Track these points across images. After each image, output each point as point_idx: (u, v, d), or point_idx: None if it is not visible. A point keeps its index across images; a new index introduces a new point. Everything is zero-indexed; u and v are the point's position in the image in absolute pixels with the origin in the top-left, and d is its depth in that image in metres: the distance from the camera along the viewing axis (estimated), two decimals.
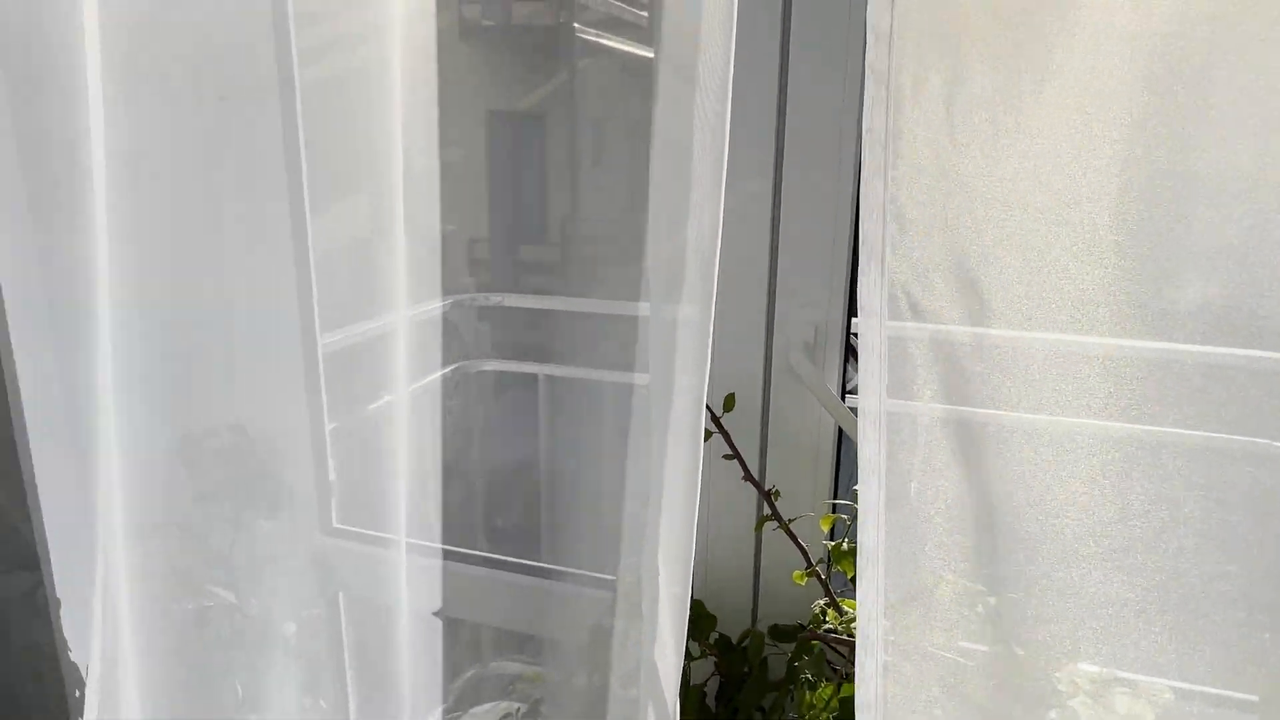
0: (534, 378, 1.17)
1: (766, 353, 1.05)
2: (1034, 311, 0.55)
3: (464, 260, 1.13)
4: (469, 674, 1.15)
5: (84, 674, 1.00)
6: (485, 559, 1.15)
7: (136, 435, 0.94)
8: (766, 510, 0.97)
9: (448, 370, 1.11)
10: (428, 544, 1.08)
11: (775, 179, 1.00)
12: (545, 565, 1.11)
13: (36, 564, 1.15)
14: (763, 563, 1.10)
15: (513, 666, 1.15)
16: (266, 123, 0.98)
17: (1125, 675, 0.59)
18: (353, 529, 1.13)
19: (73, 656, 1.02)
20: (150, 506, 0.98)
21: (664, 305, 0.65)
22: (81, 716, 1.00)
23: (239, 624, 1.05)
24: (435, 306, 1.06)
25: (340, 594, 1.13)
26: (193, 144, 0.96)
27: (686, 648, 1.03)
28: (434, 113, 0.99)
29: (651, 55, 0.72)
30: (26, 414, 0.97)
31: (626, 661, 0.85)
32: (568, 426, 1.15)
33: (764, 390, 1.06)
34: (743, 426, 1.03)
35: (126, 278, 0.91)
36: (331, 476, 1.12)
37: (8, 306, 0.93)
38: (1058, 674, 0.60)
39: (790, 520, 0.96)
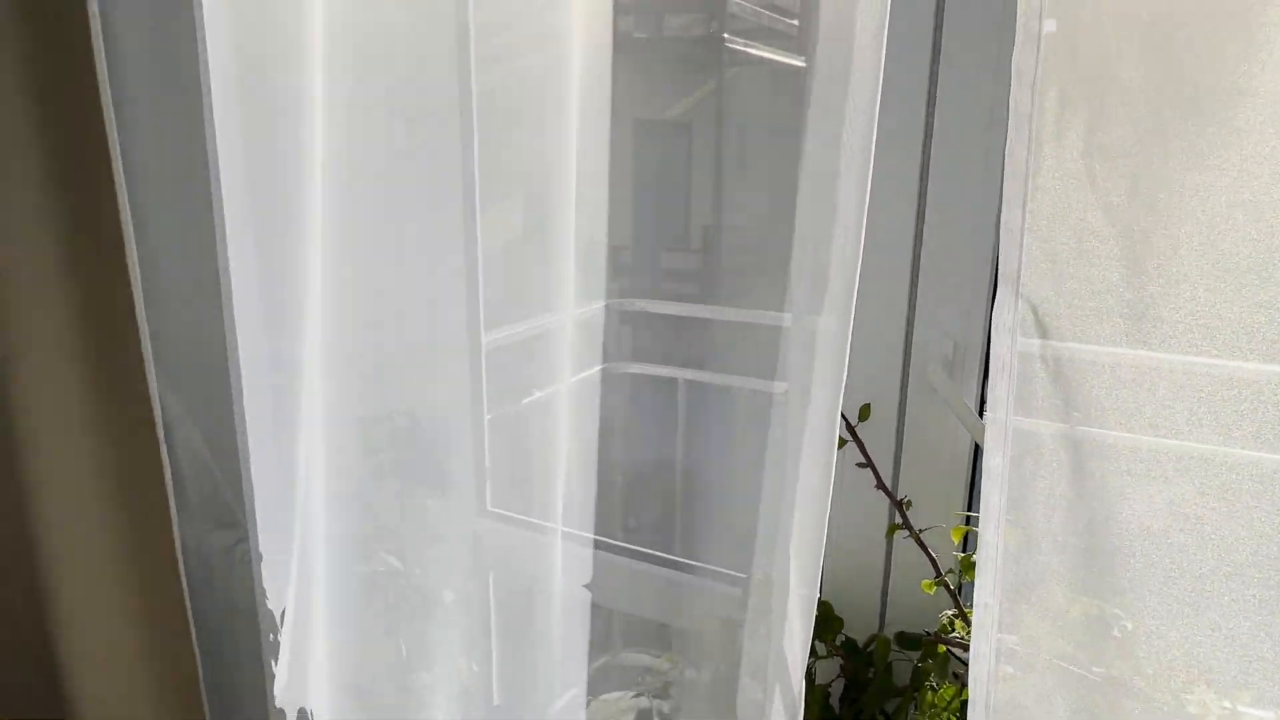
0: (675, 381, 1.22)
1: (905, 366, 1.08)
2: (1168, 335, 0.56)
3: (614, 266, 1.19)
4: (602, 660, 1.22)
5: (278, 622, 1.14)
6: (623, 549, 1.22)
7: (330, 417, 1.07)
8: (898, 519, 0.99)
9: (595, 370, 1.18)
10: (572, 530, 1.16)
11: (920, 194, 1.02)
12: (680, 559, 1.16)
13: (239, 523, 1.32)
14: (892, 571, 1.12)
15: (644, 658, 1.21)
16: (446, 135, 1.09)
17: (1253, 712, 0.59)
18: (504, 512, 1.23)
19: (270, 604, 1.16)
20: (337, 480, 1.11)
21: (805, 316, 0.70)
22: (275, 659, 1.15)
23: (404, 590, 1.17)
24: (587, 310, 1.12)
25: (491, 572, 1.23)
26: (386, 158, 1.08)
27: (812, 646, 1.07)
28: (603, 122, 1.05)
29: (801, 64, 0.75)
30: (245, 396, 1.12)
31: (755, 655, 0.90)
32: (705, 429, 1.20)
33: (900, 403, 1.08)
34: (878, 437, 1.05)
35: (327, 277, 1.04)
36: (488, 463, 1.22)
37: (234, 300, 1.08)
38: (1187, 696, 0.60)
39: (921, 530, 0.98)
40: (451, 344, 1.18)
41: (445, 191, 1.11)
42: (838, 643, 1.07)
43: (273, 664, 1.13)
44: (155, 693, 1.22)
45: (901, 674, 1.01)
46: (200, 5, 1.04)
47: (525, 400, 1.19)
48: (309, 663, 1.09)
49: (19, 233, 1.10)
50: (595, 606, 1.21)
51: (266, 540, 1.14)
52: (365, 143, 1.05)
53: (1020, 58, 0.55)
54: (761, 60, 1.08)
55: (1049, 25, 0.54)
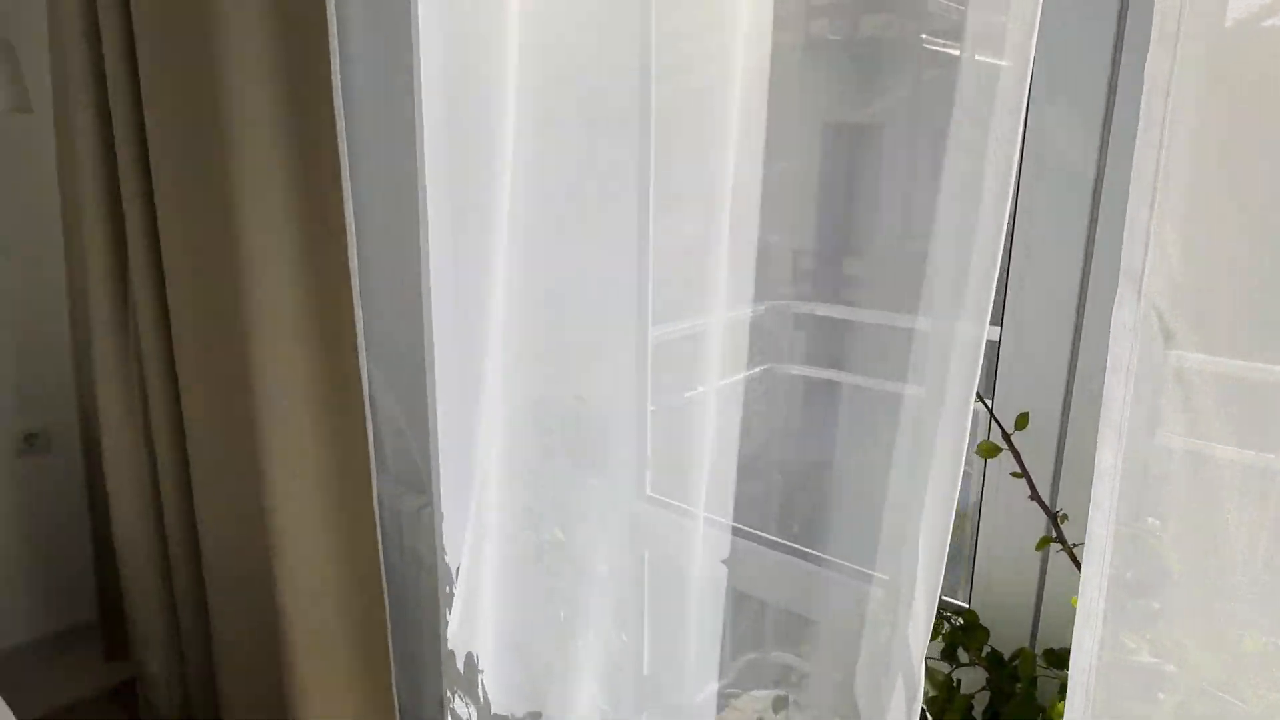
0: (827, 383, 1.23)
1: (1069, 378, 1.04)
2: None
3: (779, 267, 1.21)
4: (740, 643, 1.26)
5: (454, 575, 1.28)
6: (767, 540, 1.25)
7: (508, 398, 1.19)
8: (1051, 531, 0.97)
9: (756, 370, 1.22)
10: (719, 519, 1.21)
11: (1093, 201, 0.99)
12: (816, 553, 1.18)
13: (426, 489, 1.48)
14: (1046, 585, 1.08)
15: (778, 643, 1.23)
16: (626, 143, 1.16)
17: None
18: (661, 498, 1.30)
19: (447, 559, 1.31)
20: (512, 455, 1.23)
21: (941, 320, 0.71)
22: (449, 608, 1.28)
23: (565, 560, 1.27)
24: (751, 311, 1.16)
25: (645, 551, 1.31)
26: (569, 165, 1.17)
27: (955, 653, 1.06)
28: (762, 127, 1.08)
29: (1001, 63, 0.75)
30: (437, 377, 1.26)
31: (878, 648, 0.92)
32: (851, 431, 1.21)
33: (1063, 415, 1.05)
34: (1038, 447, 1.03)
35: (512, 274, 1.15)
36: (649, 450, 1.29)
37: (432, 292, 1.23)
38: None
39: (1075, 545, 0.95)
40: (621, 338, 1.26)
41: (623, 195, 1.19)
42: (983, 654, 1.06)
43: (446, 612, 1.27)
44: (350, 623, 1.40)
45: (1047, 691, 0.99)
46: (417, 24, 1.18)
47: (687, 394, 1.25)
48: (478, 615, 1.22)
49: (271, 224, 1.30)
50: (735, 591, 1.25)
51: (448, 502, 1.27)
52: (552, 153, 1.15)
53: (1153, 64, 0.55)
54: (954, 60, 1.07)
55: (1185, 29, 0.53)
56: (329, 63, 1.18)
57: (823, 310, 1.19)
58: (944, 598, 1.08)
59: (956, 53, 0.77)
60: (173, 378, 1.63)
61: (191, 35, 1.33)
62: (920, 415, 0.76)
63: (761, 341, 1.17)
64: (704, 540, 1.18)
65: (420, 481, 1.56)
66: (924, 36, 1.08)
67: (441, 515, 1.30)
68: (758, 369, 1.22)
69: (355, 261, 1.25)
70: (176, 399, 1.63)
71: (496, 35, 1.10)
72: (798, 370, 1.25)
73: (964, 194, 0.69)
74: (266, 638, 1.53)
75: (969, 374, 0.69)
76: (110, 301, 1.70)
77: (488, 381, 1.16)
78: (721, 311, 1.10)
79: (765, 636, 1.24)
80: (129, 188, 1.57)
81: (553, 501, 1.26)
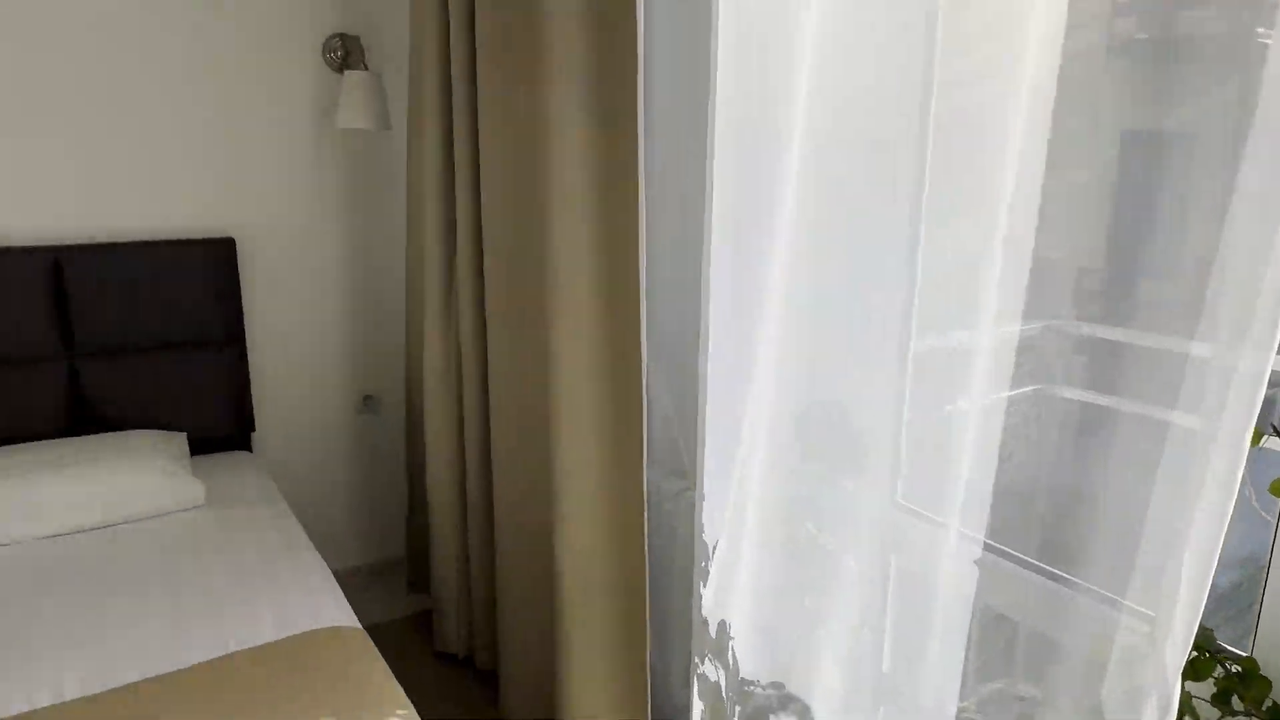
0: (1094, 406, 1.18)
1: None
2: None
3: (1056, 284, 1.14)
4: (985, 661, 1.26)
5: (709, 552, 1.41)
6: (1021, 560, 1.23)
7: (774, 398, 1.29)
8: None
9: (1024, 390, 1.20)
10: (975, 535, 1.22)
11: None
12: (1069, 577, 1.15)
13: (687, 474, 1.62)
14: None
15: (1024, 667, 1.21)
16: (903, 152, 1.18)
17: None
18: (912, 506, 1.33)
19: (705, 537, 1.44)
20: (773, 450, 1.33)
21: (1223, 347, 0.70)
22: (704, 582, 1.41)
23: (815, 553, 1.35)
24: (1023, 328, 1.13)
25: (893, 555, 1.35)
26: (847, 183, 1.24)
27: (1228, 700, 1.02)
28: (1045, 137, 1.04)
29: None
30: (710, 371, 1.39)
31: (1133, 677, 0.91)
32: (1118, 456, 1.16)
33: None
34: None
35: (786, 282, 1.24)
36: (902, 459, 1.33)
37: (710, 296, 1.35)
38: None
39: None
40: (883, 347, 1.30)
41: (895, 207, 1.22)
42: (1264, 707, 1.00)
43: (701, 585, 1.39)
44: (614, 584, 1.57)
45: None
46: (716, 35, 1.30)
47: (946, 407, 1.27)
48: (731, 589, 1.33)
49: (574, 234, 1.50)
50: (983, 607, 1.24)
51: (710, 485, 1.40)
52: (831, 166, 1.22)
53: None
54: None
55: None
56: (635, 91, 1.35)
57: (1101, 332, 1.14)
58: (1224, 645, 1.03)
59: None
60: (484, 359, 1.91)
61: (520, 77, 1.56)
62: (1193, 445, 0.75)
63: (1031, 361, 1.16)
64: (954, 553, 1.20)
65: (681, 467, 1.71)
66: (1259, 30, 0.97)
67: (703, 497, 1.43)
68: (1026, 389, 1.20)
69: (644, 264, 1.41)
70: (485, 377, 1.91)
71: (785, 58, 1.19)
72: (1070, 394, 1.22)
73: (1265, 213, 0.68)
74: (542, 588, 1.76)
75: (1248, 405, 0.68)
76: (440, 296, 2.02)
77: (756, 381, 1.27)
78: (989, 328, 1.11)
79: (1012, 657, 1.23)
80: (461, 197, 1.86)
81: (807, 498, 1.34)
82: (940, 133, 1.15)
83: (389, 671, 1.31)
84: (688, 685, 1.72)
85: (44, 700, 1.21)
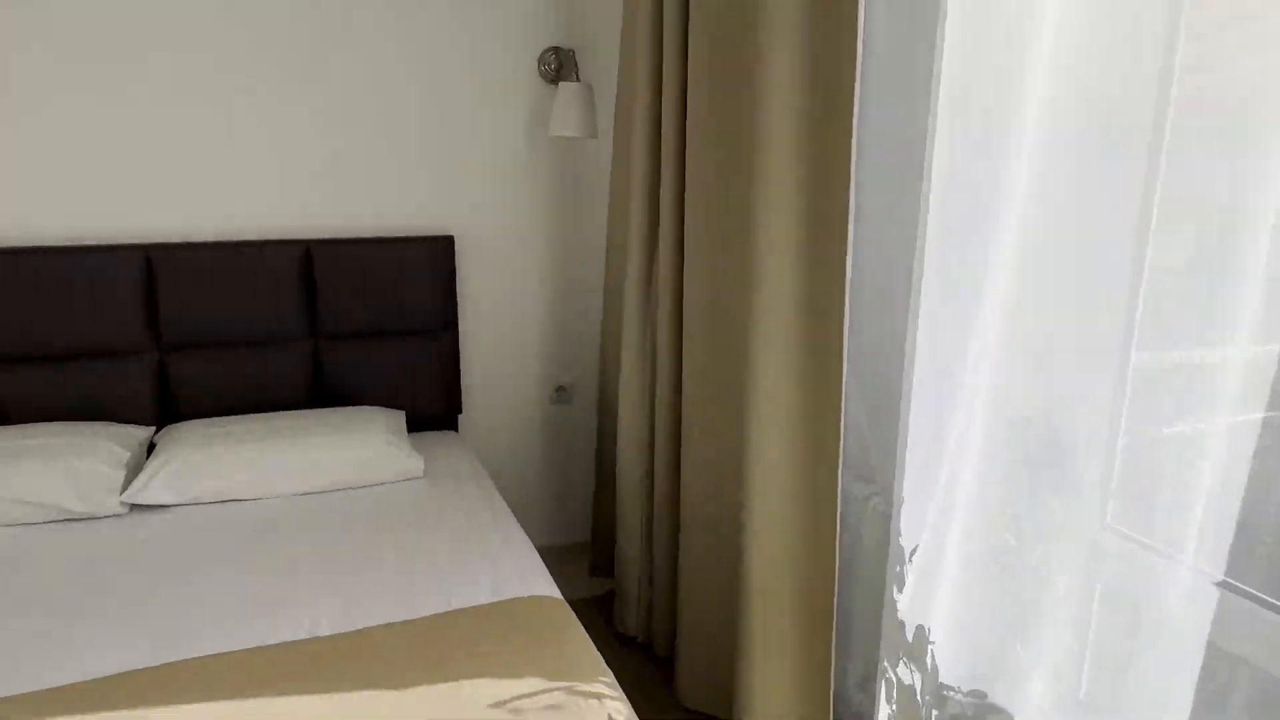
0: None
1: None
2: None
3: None
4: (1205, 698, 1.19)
5: (906, 556, 1.41)
6: (1248, 595, 1.15)
7: (984, 408, 1.28)
8: None
9: (1256, 416, 1.11)
10: (1197, 567, 1.15)
11: None
12: None
13: (874, 480, 1.63)
14: None
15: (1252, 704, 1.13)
16: (1134, 148, 1.12)
17: None
18: (1124, 530, 1.28)
19: (901, 541, 1.44)
20: (979, 461, 1.32)
21: None
22: (898, 585, 1.42)
23: (1018, 566, 1.32)
24: (1262, 349, 1.03)
25: (1099, 579, 1.30)
26: (1073, 189, 1.20)
27: None
28: None
29: None
30: (915, 379, 1.39)
31: None
32: None
33: None
34: None
35: (1001, 291, 1.23)
36: (1114, 481, 1.28)
37: (921, 304, 1.36)
38: None
39: None
40: (1100, 360, 1.25)
41: (1122, 209, 1.16)
42: None
43: (895, 588, 1.40)
44: (801, 583, 1.61)
45: None
46: (942, 37, 1.30)
47: (1168, 429, 1.20)
48: (931, 594, 1.33)
49: (780, 245, 1.54)
50: (1214, 646, 1.17)
51: (911, 489, 1.40)
52: (1058, 177, 1.19)
53: None
54: None
55: None
56: (851, 98, 1.38)
57: None
58: None
59: None
60: (678, 356, 1.99)
61: (733, 85, 1.62)
62: None
63: (1275, 384, 1.08)
64: (1169, 583, 1.14)
65: (868, 472, 1.71)
66: None
67: (902, 500, 1.43)
68: (1262, 416, 1.12)
69: (849, 272, 1.43)
70: (679, 374, 1.99)
71: (1018, 57, 1.17)
72: None
73: None
74: (726, 583, 1.81)
75: None
76: (639, 295, 2.12)
77: (965, 390, 1.27)
78: (1230, 346, 1.05)
79: (1244, 699, 1.16)
80: (665, 206, 1.94)
81: (1013, 511, 1.33)
82: (1178, 123, 1.07)
83: (589, 641, 1.41)
84: (864, 689, 1.73)
85: (303, 634, 1.40)
